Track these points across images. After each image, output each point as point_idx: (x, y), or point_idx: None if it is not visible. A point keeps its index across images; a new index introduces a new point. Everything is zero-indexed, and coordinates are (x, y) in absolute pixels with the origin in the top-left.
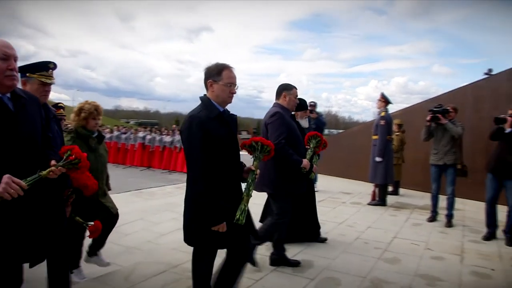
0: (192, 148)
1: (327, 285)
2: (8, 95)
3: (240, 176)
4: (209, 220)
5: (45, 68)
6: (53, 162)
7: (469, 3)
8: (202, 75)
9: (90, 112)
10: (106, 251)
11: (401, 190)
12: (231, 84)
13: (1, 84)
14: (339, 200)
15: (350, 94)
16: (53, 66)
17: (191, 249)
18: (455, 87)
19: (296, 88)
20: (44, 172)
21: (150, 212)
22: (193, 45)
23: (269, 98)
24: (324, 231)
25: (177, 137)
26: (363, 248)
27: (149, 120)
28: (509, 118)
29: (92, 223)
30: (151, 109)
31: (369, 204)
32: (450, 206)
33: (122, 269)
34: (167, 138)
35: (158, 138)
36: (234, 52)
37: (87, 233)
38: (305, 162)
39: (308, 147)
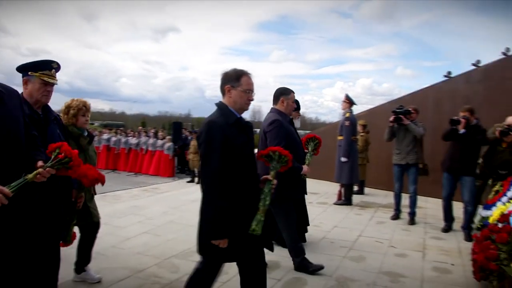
0: (211, 153)
1: (293, 285)
2: None
3: (257, 185)
4: (212, 231)
5: (48, 67)
6: (40, 163)
7: (430, 8)
8: (169, 76)
9: (79, 109)
10: (69, 257)
11: (366, 189)
12: (250, 91)
13: None
14: (306, 201)
15: (317, 95)
16: (57, 66)
17: (157, 253)
18: (417, 89)
19: (293, 92)
20: (30, 176)
21: (115, 216)
22: (160, 46)
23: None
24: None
25: (143, 139)
26: (329, 247)
27: (115, 122)
28: (462, 120)
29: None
30: (117, 111)
31: (335, 203)
32: (413, 204)
33: None
34: (133, 140)
35: (123, 140)
36: (201, 53)
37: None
38: (305, 168)
39: (307, 150)
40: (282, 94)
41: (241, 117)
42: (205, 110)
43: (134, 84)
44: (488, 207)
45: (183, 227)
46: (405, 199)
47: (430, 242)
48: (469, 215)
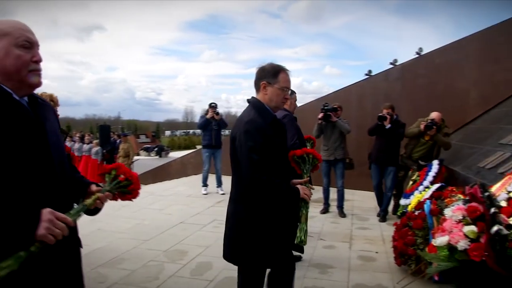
0: (251, 154)
1: (226, 285)
2: (26, 98)
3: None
4: (287, 197)
5: None
6: (94, 187)
7: (354, 9)
8: (95, 77)
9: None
10: None
11: None
12: (287, 89)
13: (22, 83)
14: None
15: (249, 95)
16: None
17: (83, 263)
18: (344, 86)
19: (295, 93)
20: (89, 201)
21: None
22: (85, 45)
23: (168, 100)
24: (223, 231)
25: (68, 143)
26: None
27: None
28: (388, 116)
29: None
30: None
31: None
32: (341, 197)
33: None
34: None
35: None
36: (129, 53)
37: None
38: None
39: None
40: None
41: (276, 116)
42: (136, 112)
43: (57, 86)
44: (407, 196)
45: (110, 234)
46: (334, 193)
47: (357, 232)
48: (388, 200)
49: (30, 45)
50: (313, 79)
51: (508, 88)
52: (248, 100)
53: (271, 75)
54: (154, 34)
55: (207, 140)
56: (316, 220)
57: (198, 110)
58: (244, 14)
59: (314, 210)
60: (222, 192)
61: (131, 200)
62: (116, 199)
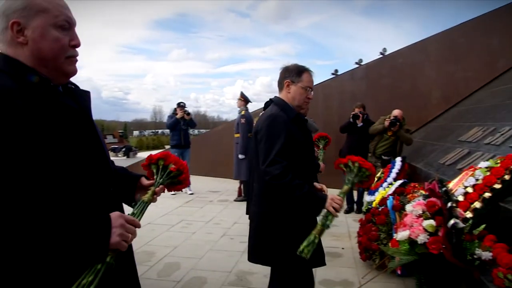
0: (274, 146)
1: (193, 285)
2: (60, 87)
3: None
4: (314, 204)
5: None
6: (144, 180)
7: (322, 10)
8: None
9: None
10: None
11: None
12: (310, 89)
13: (57, 71)
14: (207, 199)
15: (218, 94)
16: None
17: None
18: None
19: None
20: (148, 196)
21: None
22: None
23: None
24: (191, 231)
25: None
26: (229, 244)
27: None
28: (360, 115)
29: None
30: None
31: (235, 200)
32: None
33: None
34: None
35: None
36: (95, 51)
37: None
38: (322, 165)
39: (318, 148)
40: None
41: (299, 113)
42: (103, 112)
43: None
44: (372, 192)
45: None
46: None
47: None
48: (361, 193)
49: (69, 26)
50: None
51: (467, 88)
52: (271, 99)
53: (295, 74)
54: (121, 32)
55: (176, 140)
56: None
57: (167, 110)
58: (213, 13)
59: None
60: (190, 192)
61: (180, 190)
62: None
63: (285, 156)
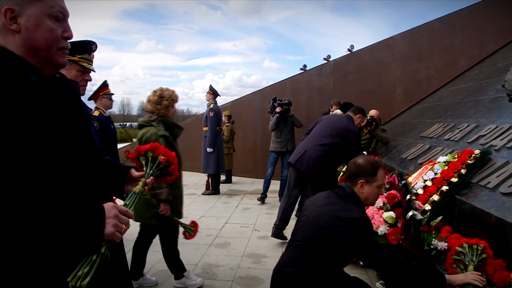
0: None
1: (159, 278)
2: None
3: None
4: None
5: (88, 49)
6: (134, 172)
7: (293, 5)
8: None
9: (172, 99)
10: None
11: (234, 178)
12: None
13: (48, 62)
14: None
15: (187, 87)
16: (95, 47)
17: None
18: (279, 80)
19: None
20: (139, 188)
21: None
22: None
23: None
24: None
25: None
26: (196, 237)
27: None
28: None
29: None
30: None
31: (203, 194)
32: (284, 186)
33: None
34: None
35: None
36: None
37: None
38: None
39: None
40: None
41: None
42: None
43: None
44: None
45: None
46: (273, 185)
47: (292, 222)
48: None
49: (63, 17)
50: (252, 73)
51: (429, 85)
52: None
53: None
54: (88, 21)
55: None
56: (251, 212)
57: (136, 103)
58: (183, 5)
59: (250, 202)
60: None
61: (170, 182)
62: (159, 182)
63: None
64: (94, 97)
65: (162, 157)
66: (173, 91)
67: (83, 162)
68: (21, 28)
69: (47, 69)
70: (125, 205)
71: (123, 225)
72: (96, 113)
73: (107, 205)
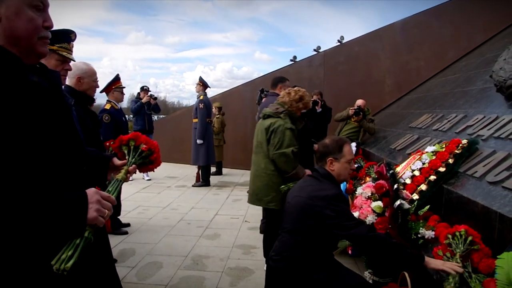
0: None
1: (148, 270)
2: None
3: None
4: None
5: (67, 38)
6: (117, 160)
7: None
8: None
9: (307, 106)
10: None
11: (224, 170)
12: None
13: (29, 51)
14: (164, 185)
15: (178, 79)
16: (75, 37)
17: None
18: (270, 71)
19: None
20: (121, 175)
21: None
22: None
23: None
24: (147, 217)
25: None
26: (186, 228)
27: None
28: (319, 101)
29: None
30: None
31: (193, 185)
32: None
33: None
34: None
35: None
36: None
37: None
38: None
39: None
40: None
41: None
42: None
43: None
44: None
45: None
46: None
47: None
48: None
49: (43, 7)
50: (243, 64)
51: (419, 76)
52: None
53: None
54: (76, 13)
55: (140, 125)
56: (242, 203)
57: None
58: None
59: (240, 193)
60: (148, 178)
61: (153, 170)
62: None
63: None
64: (106, 90)
65: (144, 145)
66: (310, 97)
67: (64, 150)
68: (1, 17)
69: (28, 59)
70: (107, 191)
71: (106, 210)
72: (107, 106)
73: (90, 191)
